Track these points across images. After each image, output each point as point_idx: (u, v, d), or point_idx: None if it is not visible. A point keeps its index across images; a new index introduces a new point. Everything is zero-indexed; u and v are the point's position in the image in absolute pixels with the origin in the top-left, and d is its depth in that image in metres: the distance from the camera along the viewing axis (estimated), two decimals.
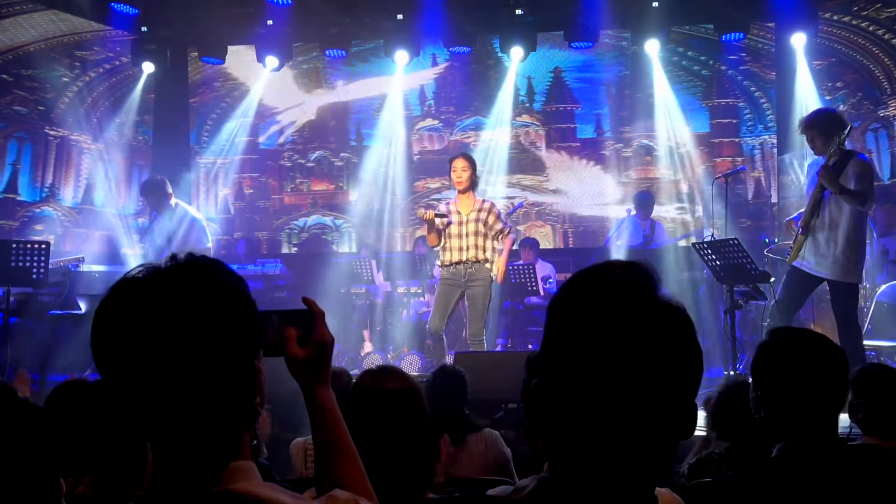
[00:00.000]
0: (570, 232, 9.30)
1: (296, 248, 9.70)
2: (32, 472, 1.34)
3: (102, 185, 8.83)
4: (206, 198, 9.77)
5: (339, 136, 9.79)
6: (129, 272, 1.01)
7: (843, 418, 1.81)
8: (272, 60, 8.78)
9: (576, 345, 0.89)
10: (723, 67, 9.02)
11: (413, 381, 1.80)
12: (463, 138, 9.48)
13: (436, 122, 9.63)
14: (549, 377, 0.91)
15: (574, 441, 0.90)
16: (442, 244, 5.42)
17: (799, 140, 6.12)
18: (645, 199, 7.68)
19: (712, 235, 5.85)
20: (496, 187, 9.07)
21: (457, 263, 5.35)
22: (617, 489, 0.89)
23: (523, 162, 9.36)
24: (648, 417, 0.87)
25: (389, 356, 7.42)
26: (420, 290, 7.84)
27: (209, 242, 6.44)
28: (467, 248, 5.33)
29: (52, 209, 8.43)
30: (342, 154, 9.77)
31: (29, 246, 5.57)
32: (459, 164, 5.36)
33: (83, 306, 6.12)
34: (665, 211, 8.86)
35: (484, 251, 5.36)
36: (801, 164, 7.39)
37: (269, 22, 8.49)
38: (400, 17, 8.48)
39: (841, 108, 7.60)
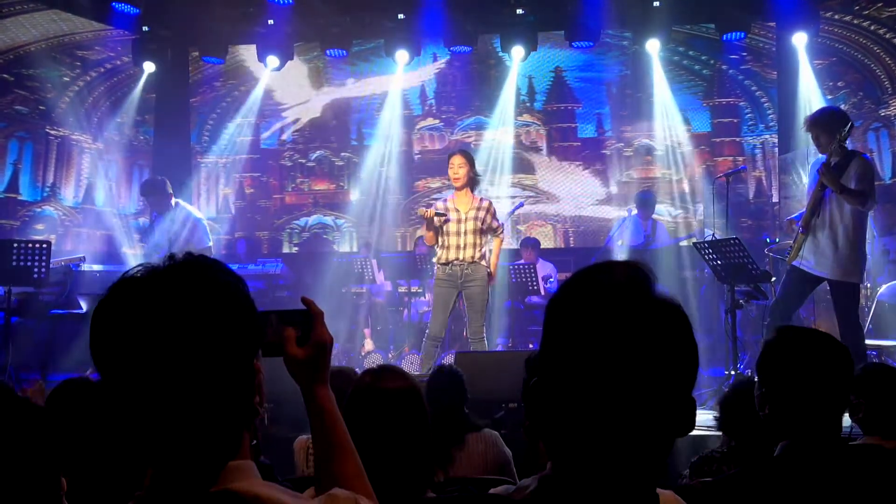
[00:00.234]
0: (570, 231, 9.30)
1: (297, 248, 9.70)
2: (33, 472, 1.34)
3: (103, 184, 8.84)
4: (206, 197, 9.77)
5: (339, 136, 9.80)
6: (127, 272, 1.01)
7: (844, 418, 1.81)
8: (273, 60, 8.79)
9: (574, 343, 0.89)
10: (724, 67, 9.01)
11: (413, 380, 1.80)
12: (464, 138, 9.48)
13: (436, 121, 9.63)
14: (549, 376, 0.92)
15: (574, 439, 0.90)
16: (440, 242, 5.41)
17: (801, 139, 6.13)
18: (646, 199, 7.67)
19: (713, 235, 5.85)
20: (498, 187, 9.08)
21: (453, 262, 5.34)
22: (617, 487, 0.90)
23: (524, 162, 9.36)
24: (647, 413, 0.88)
25: (390, 356, 7.43)
26: (421, 290, 7.83)
27: (210, 241, 6.46)
28: (465, 247, 5.32)
29: (52, 209, 8.44)
30: (343, 154, 9.77)
31: (30, 245, 5.57)
32: (456, 160, 5.36)
33: (84, 306, 6.14)
34: (666, 210, 8.85)
35: (481, 250, 5.36)
36: (803, 164, 7.38)
37: (270, 21, 8.50)
38: (401, 16, 8.48)
39: (842, 107, 7.59)
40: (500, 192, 9.09)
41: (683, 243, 7.69)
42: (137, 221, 9.05)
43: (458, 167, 5.33)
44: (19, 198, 8.19)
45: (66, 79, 8.56)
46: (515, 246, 8.53)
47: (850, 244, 4.59)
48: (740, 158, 8.85)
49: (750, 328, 6.62)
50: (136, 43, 8.68)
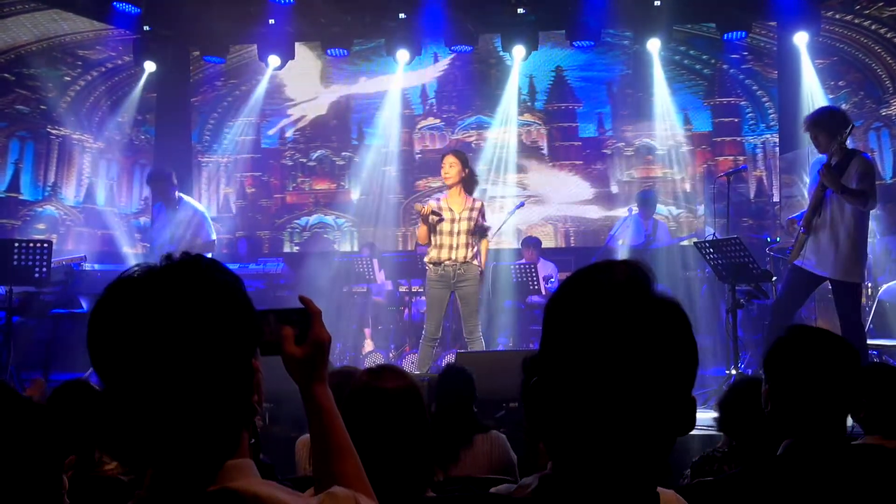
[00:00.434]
0: (571, 231, 9.30)
1: (297, 247, 9.70)
2: (35, 470, 1.34)
3: (104, 184, 8.85)
4: (208, 197, 9.77)
5: (340, 135, 9.79)
6: (124, 272, 1.01)
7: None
8: (274, 59, 8.79)
9: (574, 342, 0.89)
10: (725, 66, 9.00)
11: (413, 379, 1.80)
12: (464, 137, 9.48)
13: (437, 121, 9.63)
14: (549, 375, 0.92)
15: (574, 438, 0.90)
16: (432, 241, 5.41)
17: (802, 139, 6.12)
18: (647, 198, 7.67)
19: (714, 234, 5.84)
20: (499, 187, 9.07)
21: (445, 262, 5.34)
22: (617, 486, 0.90)
23: (525, 161, 9.35)
24: (647, 413, 0.88)
25: (391, 355, 7.42)
26: (421, 290, 7.82)
27: (214, 235, 6.52)
28: (457, 247, 5.32)
29: (54, 208, 8.44)
30: (344, 153, 9.77)
31: (31, 245, 5.58)
32: (447, 160, 5.40)
33: (85, 305, 6.14)
34: (667, 210, 8.85)
35: (473, 249, 5.37)
36: (804, 164, 7.38)
37: (271, 21, 8.49)
38: (402, 16, 8.48)
39: (843, 106, 7.58)
40: (501, 191, 9.09)
41: (684, 243, 7.68)
42: (138, 221, 9.06)
43: (448, 166, 5.35)
44: (20, 197, 8.19)
45: (67, 78, 8.56)
46: (516, 245, 8.53)
47: (852, 244, 4.59)
48: (741, 158, 8.84)
49: (751, 328, 6.62)
50: (136, 42, 8.68)
